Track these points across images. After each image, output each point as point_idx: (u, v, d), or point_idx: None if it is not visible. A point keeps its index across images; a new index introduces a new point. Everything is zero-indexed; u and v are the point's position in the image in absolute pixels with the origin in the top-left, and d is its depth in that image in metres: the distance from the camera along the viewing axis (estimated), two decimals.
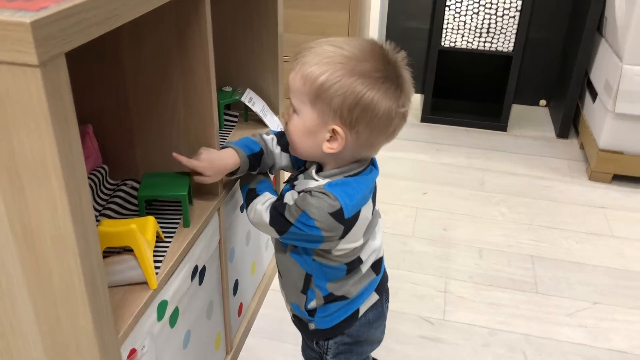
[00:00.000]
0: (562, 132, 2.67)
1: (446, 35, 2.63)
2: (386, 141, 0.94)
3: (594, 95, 2.45)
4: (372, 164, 0.99)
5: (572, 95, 2.57)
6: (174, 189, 0.98)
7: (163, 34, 0.92)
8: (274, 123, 1.25)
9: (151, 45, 0.94)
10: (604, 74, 2.30)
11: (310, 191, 0.92)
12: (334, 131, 0.90)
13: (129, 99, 1.00)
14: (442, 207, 2.16)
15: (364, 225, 0.98)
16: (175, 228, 1.00)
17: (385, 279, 1.12)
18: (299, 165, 1.09)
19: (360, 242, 0.99)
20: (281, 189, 1.06)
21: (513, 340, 1.57)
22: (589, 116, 2.49)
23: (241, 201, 1.21)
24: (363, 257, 1.01)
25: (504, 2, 2.50)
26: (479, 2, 2.52)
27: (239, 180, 1.12)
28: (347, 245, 0.97)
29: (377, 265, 1.07)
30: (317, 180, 0.96)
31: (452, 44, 2.64)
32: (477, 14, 2.55)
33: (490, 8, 2.52)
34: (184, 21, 0.90)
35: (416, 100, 3.09)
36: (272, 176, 1.13)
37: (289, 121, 0.96)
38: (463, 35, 2.61)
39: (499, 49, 2.58)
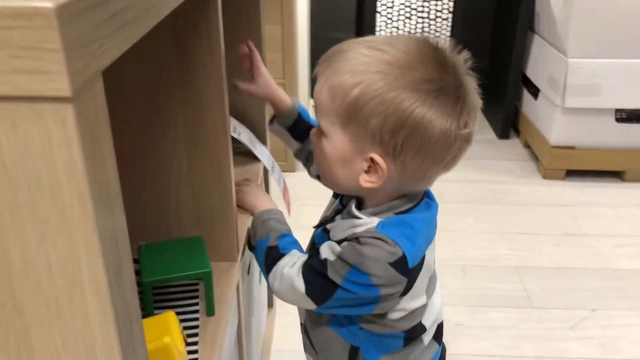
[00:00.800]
0: (504, 133, 2.63)
1: None
2: (443, 171, 0.73)
3: (534, 92, 2.42)
4: (427, 196, 0.77)
5: (511, 95, 2.53)
6: (192, 264, 0.69)
7: (155, 47, 0.65)
8: (264, 155, 1.00)
9: (138, 64, 0.67)
10: (546, 70, 2.27)
11: (357, 238, 0.70)
12: (372, 160, 0.68)
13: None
14: None
15: (427, 276, 0.76)
16: (195, 320, 0.72)
17: (444, 351, 0.90)
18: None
19: (424, 299, 0.77)
20: (311, 237, 0.82)
21: None
22: (531, 114, 2.46)
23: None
24: (426, 322, 0.79)
25: (436, 5, 2.41)
26: (410, 6, 2.41)
27: (246, 234, 0.86)
28: (408, 304, 0.75)
29: (440, 332, 0.85)
30: (360, 219, 0.73)
31: None
32: (410, 18, 2.44)
33: (422, 12, 2.42)
34: (185, 25, 0.63)
35: None
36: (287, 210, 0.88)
37: (316, 144, 0.73)
38: None
39: None
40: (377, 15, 2.42)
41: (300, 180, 2.25)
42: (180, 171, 0.73)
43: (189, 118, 0.68)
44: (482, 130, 2.73)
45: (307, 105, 2.64)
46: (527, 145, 2.53)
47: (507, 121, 2.61)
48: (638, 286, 1.71)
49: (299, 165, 2.35)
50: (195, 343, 0.67)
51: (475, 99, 0.71)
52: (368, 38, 0.70)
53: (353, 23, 2.81)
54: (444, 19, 2.43)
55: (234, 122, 0.94)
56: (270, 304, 1.43)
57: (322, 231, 0.79)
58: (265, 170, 1.10)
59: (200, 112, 0.67)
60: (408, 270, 0.69)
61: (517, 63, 2.46)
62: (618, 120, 2.18)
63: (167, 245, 0.71)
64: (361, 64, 0.66)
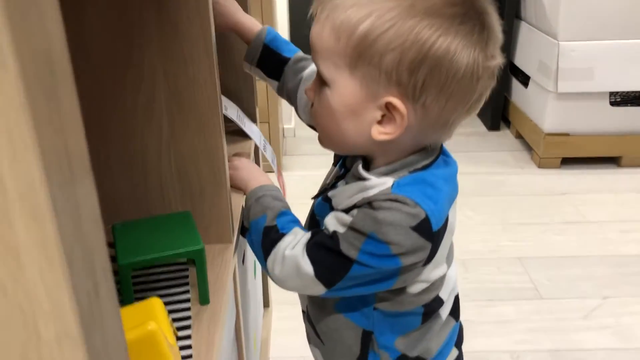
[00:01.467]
0: (494, 124, 2.55)
1: None
2: (467, 115, 0.62)
3: (524, 81, 2.35)
4: (443, 153, 0.67)
5: (500, 86, 2.46)
6: (180, 242, 0.57)
7: None
8: (254, 133, 0.89)
9: (105, 9, 0.56)
10: (536, 56, 2.20)
11: (370, 203, 0.59)
12: (388, 106, 0.58)
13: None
14: None
15: (449, 240, 0.67)
16: (186, 310, 0.59)
17: (462, 329, 0.80)
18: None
19: (444, 268, 0.68)
20: (310, 210, 0.72)
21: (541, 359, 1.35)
22: (522, 103, 2.39)
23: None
24: (443, 295, 0.70)
25: None
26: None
27: (240, 214, 0.75)
28: (430, 274, 0.66)
29: (457, 306, 0.76)
30: (370, 180, 0.62)
31: None
32: None
33: None
34: None
35: None
36: (281, 186, 0.77)
37: (315, 100, 0.63)
38: None
39: None
40: None
41: (288, 181, 2.15)
42: (160, 136, 0.61)
43: (170, 71, 0.57)
44: (471, 122, 2.66)
45: (291, 107, 2.55)
46: (518, 136, 2.46)
47: (497, 112, 2.54)
48: None
49: (285, 164, 2.25)
50: (188, 337, 0.55)
51: (499, 30, 0.61)
52: None
53: None
54: None
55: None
56: (266, 304, 1.31)
57: (323, 200, 0.68)
58: (257, 150, 0.99)
59: (184, 64, 0.57)
60: (432, 233, 0.59)
61: (504, 52, 2.40)
62: (612, 104, 2.12)
63: (148, 223, 0.59)
64: None
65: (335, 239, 0.61)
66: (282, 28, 2.39)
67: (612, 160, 2.23)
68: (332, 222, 0.63)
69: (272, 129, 2.14)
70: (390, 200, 0.58)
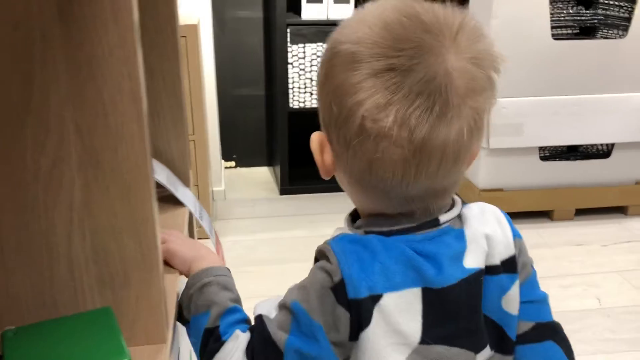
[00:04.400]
0: None
1: (293, 96, 2.34)
2: None
3: None
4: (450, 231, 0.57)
5: None
6: (97, 352, 0.41)
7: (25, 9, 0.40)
8: (188, 199, 0.75)
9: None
10: None
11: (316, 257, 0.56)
12: None
13: None
14: None
15: (398, 345, 0.52)
16: None
17: None
18: None
19: None
20: None
21: None
22: None
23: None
24: None
25: None
26: (320, 56, 2.30)
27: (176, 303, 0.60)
28: None
29: None
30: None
31: (301, 104, 2.36)
32: None
33: None
34: None
35: (266, 173, 2.74)
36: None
37: None
38: (312, 94, 2.35)
39: None
40: (289, 67, 2.28)
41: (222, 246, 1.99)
42: (71, 209, 0.46)
43: (84, 122, 0.43)
44: None
45: (220, 169, 2.42)
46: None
47: None
48: (596, 327, 1.60)
49: (218, 228, 2.09)
50: None
51: None
52: None
53: (262, 78, 2.66)
54: None
55: None
56: None
57: None
58: (191, 219, 0.85)
59: (103, 113, 0.43)
60: (347, 300, 0.50)
61: None
62: (542, 158, 2.15)
63: (53, 327, 0.43)
64: None
65: (263, 324, 0.53)
66: (210, 85, 2.29)
67: (545, 214, 2.24)
68: (262, 307, 0.56)
69: (201, 194, 1.99)
70: (320, 251, 0.54)
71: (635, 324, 1.62)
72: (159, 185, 0.71)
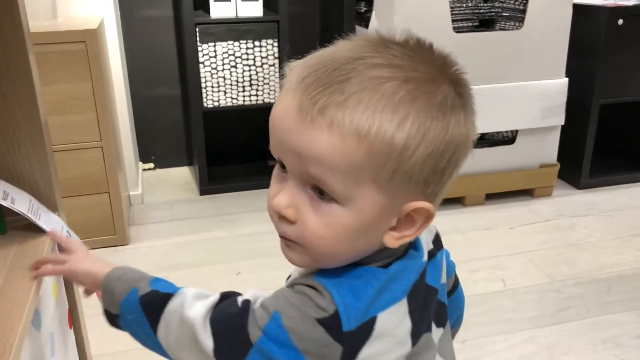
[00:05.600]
0: None
1: (207, 95, 2.33)
2: None
3: None
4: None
5: None
6: None
7: None
8: (54, 222, 0.75)
9: None
10: None
11: (293, 284, 0.53)
12: (413, 211, 0.52)
13: None
14: (265, 283, 1.80)
15: (397, 354, 0.54)
16: None
17: None
18: None
19: None
20: None
21: None
22: None
23: None
24: None
25: (260, 51, 2.32)
26: (234, 54, 2.30)
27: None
28: None
29: None
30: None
31: (216, 103, 2.35)
32: (236, 67, 2.32)
33: (247, 59, 2.32)
34: None
35: (187, 173, 2.71)
36: None
37: (306, 220, 0.52)
38: (225, 92, 2.35)
39: (266, 100, 2.38)
40: (201, 66, 2.26)
41: (135, 254, 1.97)
42: None
43: None
44: None
45: (137, 172, 2.37)
46: None
47: None
48: (500, 308, 1.68)
49: (132, 236, 2.06)
50: None
51: None
52: (353, 43, 0.53)
53: (177, 77, 2.63)
54: (270, 65, 2.34)
55: (3, 186, 0.69)
56: None
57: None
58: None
59: None
60: (341, 334, 0.50)
61: None
62: None
63: None
64: (386, 93, 0.48)
65: (246, 310, 0.52)
66: (118, 87, 2.24)
67: (457, 201, 2.32)
68: (251, 292, 0.55)
69: (113, 200, 1.96)
70: (308, 285, 0.52)
71: (536, 303, 1.71)
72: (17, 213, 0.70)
